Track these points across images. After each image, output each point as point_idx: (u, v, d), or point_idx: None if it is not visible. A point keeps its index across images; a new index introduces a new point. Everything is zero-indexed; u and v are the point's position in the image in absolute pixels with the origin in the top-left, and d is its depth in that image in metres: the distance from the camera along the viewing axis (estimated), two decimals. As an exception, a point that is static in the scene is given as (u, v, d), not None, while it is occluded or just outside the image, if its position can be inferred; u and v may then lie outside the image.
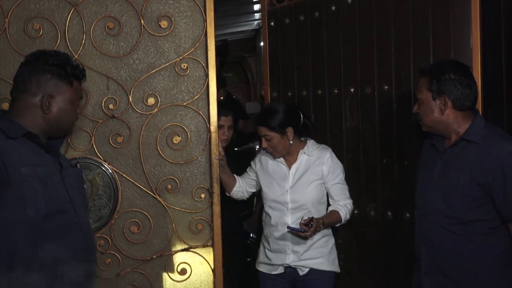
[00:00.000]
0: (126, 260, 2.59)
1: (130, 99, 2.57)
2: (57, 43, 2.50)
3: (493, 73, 2.64)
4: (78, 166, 2.48)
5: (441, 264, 2.29)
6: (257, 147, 2.92)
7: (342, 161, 2.89)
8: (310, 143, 2.85)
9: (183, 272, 2.63)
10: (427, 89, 2.28)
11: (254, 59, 9.81)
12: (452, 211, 2.24)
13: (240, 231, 3.56)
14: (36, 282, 1.78)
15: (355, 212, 2.92)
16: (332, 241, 2.85)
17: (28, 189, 1.76)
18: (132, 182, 2.59)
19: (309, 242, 2.74)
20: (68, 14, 2.51)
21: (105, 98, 2.56)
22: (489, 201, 2.18)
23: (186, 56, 2.60)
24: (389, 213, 2.85)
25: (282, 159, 2.84)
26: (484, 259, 2.21)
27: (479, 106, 2.46)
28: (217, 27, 2.72)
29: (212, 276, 2.64)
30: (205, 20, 2.59)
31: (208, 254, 2.64)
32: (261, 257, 2.90)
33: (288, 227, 2.70)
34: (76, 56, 2.50)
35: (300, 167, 2.79)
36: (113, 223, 2.58)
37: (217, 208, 2.62)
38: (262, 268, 2.90)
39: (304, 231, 2.60)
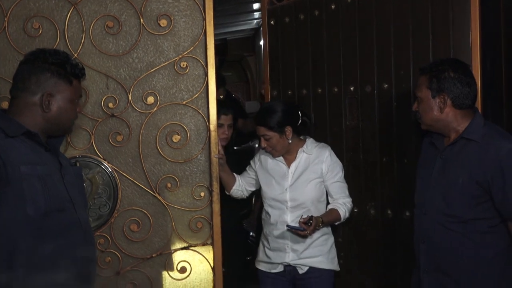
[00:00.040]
0: (126, 259, 2.59)
1: (130, 98, 2.57)
2: (57, 42, 2.50)
3: (493, 73, 2.65)
4: (78, 164, 2.48)
5: (440, 262, 2.29)
6: (257, 145, 2.92)
7: (342, 160, 2.89)
8: (309, 141, 2.85)
9: (182, 270, 2.63)
10: (427, 87, 2.28)
11: (254, 58, 9.80)
12: (452, 210, 2.24)
13: (240, 230, 3.56)
14: (36, 280, 1.78)
15: (355, 210, 2.93)
16: (331, 239, 2.85)
17: (28, 187, 1.76)
18: (131, 181, 2.59)
19: (308, 240, 2.75)
20: (68, 13, 2.51)
21: (105, 97, 2.56)
22: (488, 200, 2.19)
23: (186, 55, 2.60)
24: (389, 212, 2.86)
25: (281, 157, 2.84)
26: (483, 257, 2.21)
27: (478, 105, 2.46)
28: (216, 26, 2.72)
29: (211, 275, 2.64)
30: (204, 19, 2.59)
31: (208, 252, 2.64)
32: (261, 255, 2.91)
33: (287, 225, 2.71)
34: (75, 55, 2.50)
35: (299, 166, 2.80)
36: (113, 222, 2.58)
37: (216, 207, 2.62)
38: (261, 266, 2.90)
39: (303, 230, 2.61)
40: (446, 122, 2.28)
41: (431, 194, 2.30)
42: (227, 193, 2.96)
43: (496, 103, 2.64)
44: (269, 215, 2.82)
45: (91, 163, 2.55)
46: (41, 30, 2.49)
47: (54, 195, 1.83)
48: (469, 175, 2.19)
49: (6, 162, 1.74)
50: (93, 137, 2.55)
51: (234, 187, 2.95)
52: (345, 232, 3.01)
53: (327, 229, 2.83)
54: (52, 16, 2.51)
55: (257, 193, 3.07)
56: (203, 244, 2.64)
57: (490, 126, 2.26)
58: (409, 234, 2.46)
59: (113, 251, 2.58)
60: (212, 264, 2.64)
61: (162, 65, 2.59)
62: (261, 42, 7.97)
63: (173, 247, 2.63)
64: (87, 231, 1.97)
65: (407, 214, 2.73)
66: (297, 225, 2.64)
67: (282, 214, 2.78)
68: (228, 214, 2.88)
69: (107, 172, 2.57)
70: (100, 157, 2.56)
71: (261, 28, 7.68)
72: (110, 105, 2.56)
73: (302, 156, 2.80)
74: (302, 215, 2.67)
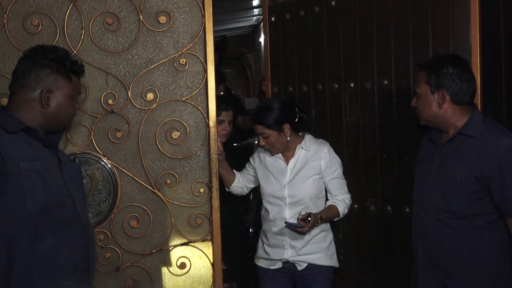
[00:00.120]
0: (125, 255, 2.60)
1: (129, 94, 2.57)
2: (56, 39, 2.50)
3: (493, 70, 2.65)
4: (77, 161, 2.48)
5: (438, 258, 2.30)
6: (256, 142, 2.92)
7: (342, 156, 2.90)
8: (308, 137, 2.85)
9: (182, 266, 2.64)
10: (426, 83, 2.28)
11: (253, 55, 9.80)
12: (450, 205, 2.24)
13: (240, 226, 3.57)
14: (36, 275, 1.79)
15: (355, 206, 2.93)
16: (330, 236, 2.86)
17: (27, 183, 1.77)
18: (131, 177, 2.60)
19: (307, 237, 2.75)
20: (67, 10, 2.52)
21: (104, 93, 2.56)
22: (487, 195, 2.19)
23: (185, 52, 2.60)
24: (389, 208, 2.86)
25: (280, 154, 2.84)
26: (481, 253, 2.22)
27: (478, 102, 2.46)
28: (215, 22, 2.72)
29: (211, 270, 2.65)
30: (203, 16, 2.59)
31: (207, 248, 2.64)
32: (260, 252, 2.91)
33: (285, 222, 2.71)
34: (75, 52, 2.50)
35: (298, 162, 2.80)
36: (113, 218, 2.59)
37: (216, 203, 2.62)
38: (260, 263, 2.91)
39: (301, 227, 2.61)
40: (445, 118, 2.28)
41: (429, 190, 2.31)
42: (227, 190, 2.97)
43: (496, 101, 2.65)
44: (268, 212, 2.83)
45: (90, 159, 2.56)
46: (40, 27, 2.50)
47: (54, 191, 1.83)
48: (467, 171, 2.20)
49: (6, 158, 1.74)
50: (92, 133, 2.55)
51: (233, 184, 2.95)
52: (345, 228, 3.02)
53: (326, 226, 2.84)
54: (51, 12, 2.51)
55: (255, 190, 3.08)
56: (203, 240, 2.65)
57: (488, 122, 2.26)
58: (409, 230, 2.47)
59: (113, 247, 2.59)
60: (211, 260, 2.64)
61: (162, 61, 2.59)
62: (261, 39, 7.98)
63: (173, 243, 2.63)
64: (86, 227, 1.98)
65: (407, 210, 2.74)
66: (295, 222, 2.65)
67: (281, 211, 2.78)
68: (228, 211, 2.88)
69: (106, 169, 2.57)
70: (100, 154, 2.57)
71: (261, 25, 7.68)
72: (110, 101, 2.56)
73: (300, 153, 2.81)
74: (300, 212, 2.67)
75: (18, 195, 1.75)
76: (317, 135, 2.94)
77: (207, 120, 2.61)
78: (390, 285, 2.89)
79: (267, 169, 2.87)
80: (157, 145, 2.60)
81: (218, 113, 2.89)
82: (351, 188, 2.85)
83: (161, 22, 2.58)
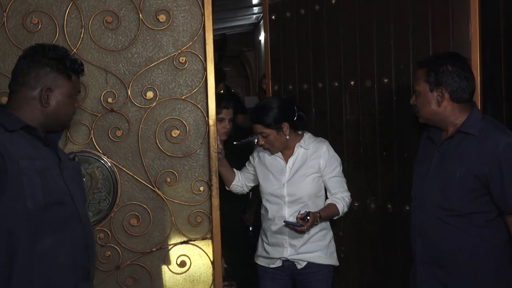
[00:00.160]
0: (125, 253, 2.60)
1: (129, 93, 2.58)
2: (56, 37, 2.50)
3: (492, 69, 2.65)
4: (76, 159, 2.48)
5: (437, 256, 2.29)
6: (256, 140, 2.93)
7: (342, 154, 2.90)
8: (307, 136, 2.85)
9: (182, 264, 2.64)
10: (425, 81, 2.28)
11: (253, 53, 9.80)
12: (449, 203, 2.24)
13: (240, 225, 3.57)
14: (36, 274, 1.79)
15: (355, 204, 2.93)
16: (330, 234, 2.86)
17: (27, 182, 1.77)
18: (131, 176, 2.60)
19: (306, 236, 2.75)
20: (67, 8, 2.52)
21: (104, 92, 2.56)
22: (486, 193, 2.19)
23: (184, 50, 2.60)
24: (389, 206, 2.86)
25: (279, 152, 2.84)
26: (480, 251, 2.21)
27: (478, 100, 2.46)
28: (215, 21, 2.73)
29: (211, 269, 2.65)
30: (203, 14, 2.59)
31: (207, 246, 2.65)
32: (260, 250, 2.91)
33: (284, 221, 2.71)
34: (74, 50, 2.50)
35: (297, 161, 2.80)
36: (113, 216, 2.59)
37: (216, 201, 2.63)
38: (260, 261, 2.91)
39: (300, 225, 2.61)
40: (444, 115, 2.28)
41: (428, 188, 2.31)
42: (227, 189, 2.97)
43: (496, 101, 2.65)
44: (267, 210, 2.83)
45: (90, 158, 2.56)
46: (40, 25, 2.50)
47: (53, 189, 1.84)
48: (466, 169, 2.20)
49: (5, 157, 1.74)
50: (92, 132, 2.56)
51: (233, 183, 2.95)
52: (345, 226, 3.02)
53: (326, 224, 2.84)
54: (51, 11, 2.51)
55: (254, 188, 3.08)
56: (203, 238, 2.65)
57: (487, 120, 2.26)
58: (409, 228, 2.47)
59: (113, 245, 2.60)
60: (211, 258, 2.65)
61: (161, 60, 2.59)
62: (260, 37, 7.98)
63: (173, 241, 2.64)
64: (86, 225, 1.98)
65: (407, 208, 2.73)
66: (294, 220, 2.65)
67: (280, 209, 2.79)
68: (228, 209, 2.89)
69: (106, 167, 2.57)
70: (100, 152, 2.57)
71: (261, 23, 7.68)
72: (110, 100, 2.56)
73: (299, 151, 2.81)
74: (300, 211, 2.67)
75: (18, 194, 1.75)
76: (317, 133, 2.94)
77: (206, 119, 2.62)
78: (390, 283, 2.89)
79: (266, 167, 2.87)
80: (157, 143, 2.60)
81: (218, 111, 2.89)
82: (351, 187, 2.85)
83: (161, 20, 2.58)
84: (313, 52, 3.14)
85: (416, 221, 2.36)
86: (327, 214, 2.74)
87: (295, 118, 2.81)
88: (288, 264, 2.81)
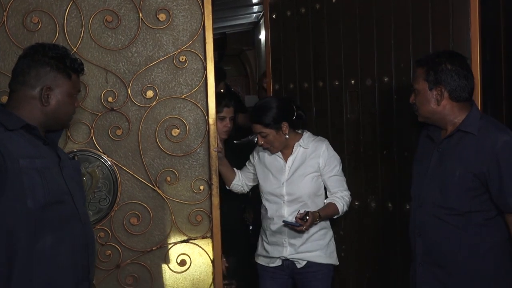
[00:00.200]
0: (126, 252, 2.61)
1: (129, 92, 2.58)
2: (56, 37, 2.51)
3: (493, 68, 2.65)
4: (76, 158, 2.49)
5: (437, 256, 2.29)
6: (256, 139, 2.93)
7: (342, 153, 2.90)
8: (306, 135, 2.85)
9: (182, 263, 2.65)
10: (424, 80, 2.28)
11: (253, 52, 9.78)
12: (448, 202, 2.24)
13: (240, 224, 3.57)
14: (36, 272, 1.80)
15: (356, 203, 2.93)
16: (330, 233, 2.86)
17: (27, 181, 1.77)
18: (131, 174, 2.60)
19: (306, 235, 2.75)
20: (67, 8, 2.52)
21: (104, 91, 2.57)
22: (485, 192, 2.19)
23: (184, 49, 2.60)
24: (390, 205, 2.86)
25: (279, 152, 2.84)
26: (479, 250, 2.21)
27: (478, 99, 2.46)
28: (215, 20, 2.73)
29: (211, 267, 2.65)
30: (203, 13, 2.59)
31: (207, 245, 2.65)
32: (260, 249, 2.92)
33: (283, 221, 2.71)
34: (74, 49, 2.50)
35: (296, 160, 2.80)
36: (113, 215, 2.60)
37: (216, 200, 2.63)
38: (260, 260, 2.91)
39: (299, 225, 2.61)
40: (443, 114, 2.28)
41: (427, 187, 2.31)
42: (227, 188, 2.97)
43: (496, 101, 2.65)
44: (266, 210, 2.83)
45: (91, 157, 2.57)
46: (40, 25, 2.50)
47: (53, 188, 1.84)
48: (465, 168, 2.19)
49: (6, 156, 1.75)
50: (92, 131, 2.56)
51: (234, 182, 2.95)
52: (346, 225, 3.02)
53: (326, 223, 2.84)
54: (51, 10, 2.51)
55: (253, 188, 3.08)
56: (203, 237, 2.65)
57: (486, 119, 2.26)
58: (408, 228, 2.47)
59: (113, 244, 2.60)
60: (211, 257, 2.65)
61: (161, 59, 2.60)
62: (260, 36, 7.97)
63: (173, 240, 2.64)
64: (86, 224, 1.99)
65: (407, 207, 2.73)
66: (293, 220, 2.65)
67: (279, 208, 2.79)
68: (228, 209, 2.89)
69: (107, 166, 2.58)
70: (100, 151, 2.58)
71: (261, 22, 7.67)
72: (110, 99, 2.57)
73: (298, 150, 2.81)
74: (299, 210, 2.67)
75: (18, 193, 1.75)
76: (318, 132, 2.94)
77: (206, 118, 2.62)
78: (390, 282, 2.90)
79: (266, 167, 2.87)
80: (157, 142, 2.61)
81: (219, 110, 2.89)
82: (351, 185, 2.85)
83: (161, 19, 2.58)
84: (313, 51, 3.14)
85: (416, 221, 2.36)
86: (327, 214, 2.74)
87: (294, 118, 2.81)
88: (288, 263, 2.81)
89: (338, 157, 2.83)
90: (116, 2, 2.56)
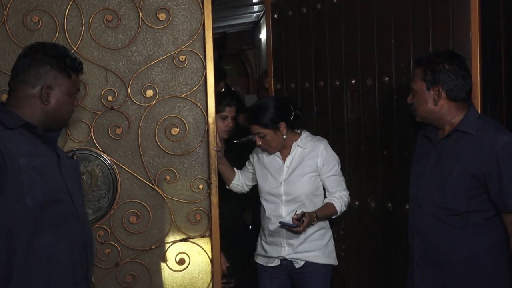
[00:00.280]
0: (125, 250, 2.61)
1: (129, 91, 2.58)
2: (56, 36, 2.51)
3: (492, 69, 2.65)
4: (75, 157, 2.49)
5: (434, 255, 2.29)
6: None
7: (343, 152, 2.90)
8: (304, 135, 2.85)
9: (181, 262, 2.65)
10: (421, 80, 2.28)
11: (253, 51, 9.77)
12: (446, 202, 2.24)
13: (240, 224, 3.57)
14: (35, 271, 1.80)
15: (356, 203, 2.93)
16: (329, 234, 2.85)
17: (26, 179, 1.78)
18: (131, 173, 2.61)
19: (304, 235, 2.74)
20: (67, 7, 2.53)
21: (104, 90, 2.57)
22: (483, 192, 2.19)
23: (184, 49, 2.61)
24: (389, 204, 2.86)
25: (277, 152, 2.84)
26: (477, 250, 2.21)
27: (478, 99, 2.46)
28: (215, 19, 2.73)
29: (210, 266, 2.66)
30: (202, 13, 2.60)
31: (206, 244, 2.66)
32: (259, 249, 2.92)
33: (280, 222, 2.71)
34: (74, 49, 2.51)
35: (294, 160, 2.79)
36: (112, 214, 2.60)
37: (215, 199, 2.63)
38: (259, 260, 2.91)
39: (296, 226, 2.61)
40: (441, 114, 2.28)
41: (425, 187, 2.30)
42: (227, 187, 2.97)
43: (496, 101, 2.65)
44: (265, 209, 2.83)
45: (90, 155, 2.57)
46: (40, 24, 2.51)
47: (52, 187, 1.84)
48: (463, 168, 2.19)
49: (5, 155, 1.75)
50: (92, 130, 2.57)
51: (233, 182, 2.95)
52: (345, 225, 3.02)
53: (325, 223, 2.83)
54: (51, 9, 2.52)
55: (253, 187, 3.08)
56: (202, 236, 2.66)
57: (484, 119, 2.26)
58: (407, 228, 2.47)
59: (112, 243, 2.61)
60: (210, 256, 2.65)
61: (161, 58, 2.60)
62: (261, 36, 7.97)
63: (172, 239, 2.65)
64: (84, 223, 1.99)
65: (407, 207, 2.73)
66: (290, 221, 2.65)
67: (277, 208, 2.78)
68: (227, 208, 2.89)
69: (106, 165, 2.58)
70: (100, 150, 2.58)
71: (261, 21, 7.67)
72: (109, 98, 2.57)
73: (296, 150, 2.80)
74: (296, 211, 2.67)
75: (17, 192, 1.76)
76: (318, 131, 2.94)
77: (206, 117, 2.62)
78: (390, 282, 2.89)
79: (264, 167, 2.87)
80: (156, 141, 2.61)
81: (221, 109, 2.89)
82: (351, 185, 2.85)
83: (161, 19, 2.59)
84: (314, 50, 3.14)
85: (415, 221, 2.36)
86: (325, 214, 2.73)
87: (292, 117, 2.81)
88: (286, 263, 2.81)
89: (336, 157, 2.82)
90: (116, 1, 2.57)
